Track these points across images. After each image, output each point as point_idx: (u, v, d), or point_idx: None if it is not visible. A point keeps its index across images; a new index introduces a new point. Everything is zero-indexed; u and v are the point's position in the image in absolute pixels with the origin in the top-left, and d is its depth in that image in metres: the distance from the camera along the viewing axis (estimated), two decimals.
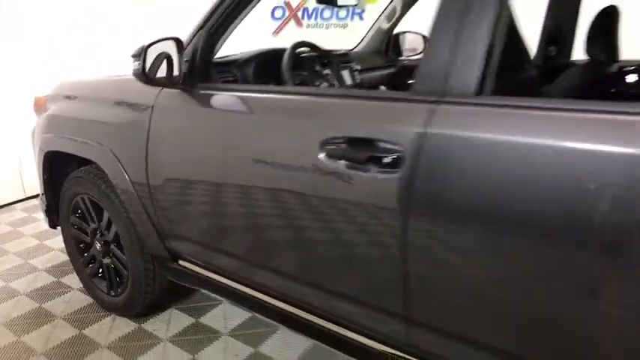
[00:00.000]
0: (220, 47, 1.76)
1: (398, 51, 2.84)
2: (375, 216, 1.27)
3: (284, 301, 1.65)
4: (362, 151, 1.25)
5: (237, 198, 1.62)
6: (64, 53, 3.91)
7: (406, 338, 1.35)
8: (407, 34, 2.78)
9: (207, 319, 2.33)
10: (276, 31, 4.93)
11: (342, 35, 4.83)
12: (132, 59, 1.56)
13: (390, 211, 1.23)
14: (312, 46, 2.19)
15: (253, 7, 1.65)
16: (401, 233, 1.22)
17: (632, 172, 0.91)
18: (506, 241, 1.09)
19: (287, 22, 4.98)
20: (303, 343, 2.10)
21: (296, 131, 1.43)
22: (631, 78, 2.04)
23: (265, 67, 1.99)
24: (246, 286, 1.76)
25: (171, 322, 2.32)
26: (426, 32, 1.28)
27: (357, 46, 2.81)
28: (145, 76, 1.56)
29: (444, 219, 1.16)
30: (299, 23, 5.00)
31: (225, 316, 2.35)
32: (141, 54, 1.53)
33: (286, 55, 1.91)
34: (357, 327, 1.47)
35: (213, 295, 1.96)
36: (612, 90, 2.02)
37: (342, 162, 1.29)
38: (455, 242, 1.17)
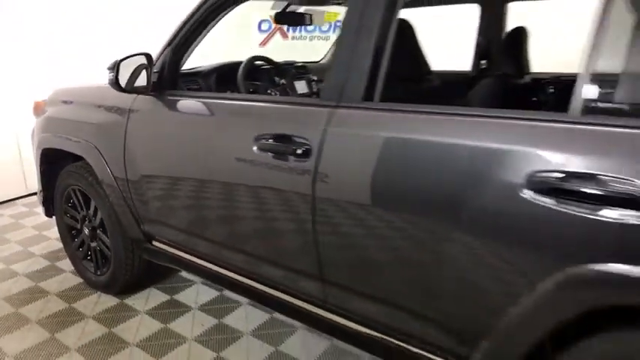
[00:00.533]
0: (185, 61, 2.11)
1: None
2: (294, 196, 1.61)
3: (234, 272, 1.99)
4: (282, 144, 1.60)
5: (197, 186, 1.97)
6: (65, 53, 4.12)
7: (323, 294, 1.68)
8: None
9: (182, 297, 2.66)
10: (263, 43, 5.29)
11: (325, 46, 5.18)
12: (107, 71, 1.91)
13: (303, 192, 1.56)
14: (268, 60, 2.54)
15: (211, 29, 2.01)
16: (311, 209, 1.56)
17: (473, 161, 1.23)
18: (385, 215, 1.43)
19: (273, 35, 5.34)
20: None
21: (238, 129, 1.77)
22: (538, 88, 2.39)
23: (225, 77, 2.35)
24: (205, 260, 2.10)
25: (149, 298, 2.66)
26: None
27: (321, 59, 3.17)
28: (117, 85, 1.92)
29: (340, 197, 1.50)
30: (284, 35, 5.36)
31: (198, 292, 2.69)
32: (114, 67, 1.89)
33: (241, 68, 2.27)
34: (290, 290, 1.81)
35: (179, 269, 2.30)
36: (518, 98, 2.35)
37: (270, 153, 1.63)
38: (349, 215, 1.50)
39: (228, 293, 2.69)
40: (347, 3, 1.54)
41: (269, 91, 2.40)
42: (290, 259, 1.75)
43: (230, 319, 2.46)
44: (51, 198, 2.81)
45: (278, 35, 5.43)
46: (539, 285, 1.15)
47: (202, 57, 2.61)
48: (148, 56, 1.98)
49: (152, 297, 2.67)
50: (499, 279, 1.24)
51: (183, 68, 2.20)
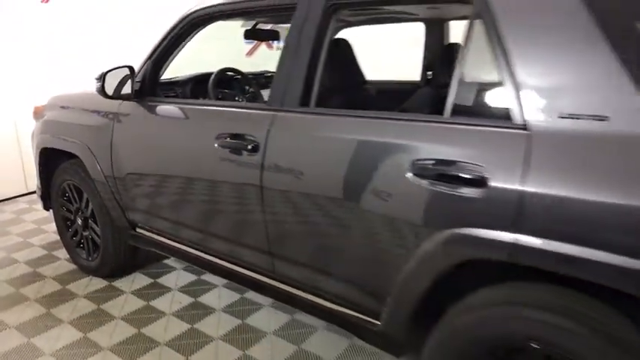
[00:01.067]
0: (164, 72, 2.46)
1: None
2: (247, 185, 1.95)
3: (202, 251, 2.33)
4: (237, 141, 1.94)
5: (170, 179, 2.31)
6: (65, 53, 4.41)
7: (270, 264, 2.02)
8: None
9: (164, 280, 3.00)
10: (250, 53, 5.65)
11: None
12: (95, 81, 2.27)
13: (254, 181, 1.91)
14: (237, 71, 2.90)
15: (184, 46, 2.36)
16: (260, 195, 1.90)
17: (375, 152, 1.57)
18: (313, 197, 1.77)
19: (259, 46, 5.70)
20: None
21: (204, 129, 2.12)
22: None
23: (199, 86, 2.70)
24: (178, 242, 2.45)
25: (135, 281, 2.99)
26: None
27: None
28: (104, 93, 2.28)
29: (280, 185, 1.84)
30: (269, 46, 5.72)
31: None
32: (101, 77, 2.24)
33: (212, 78, 2.62)
34: (246, 264, 2.15)
35: (160, 253, 2.64)
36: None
37: (227, 149, 1.98)
38: (287, 200, 1.84)
39: (205, 277, 3.02)
40: (290, 24, 1.89)
41: (237, 98, 2.75)
42: (245, 237, 2.09)
43: (205, 298, 2.79)
44: (48, 193, 3.15)
45: (264, 46, 5.79)
46: (422, 245, 1.49)
47: (193, 65, 2.96)
48: (130, 68, 2.33)
49: (137, 280, 3.01)
50: (395, 244, 1.58)
51: (163, 78, 2.56)
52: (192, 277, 3.03)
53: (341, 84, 2.15)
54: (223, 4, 2.14)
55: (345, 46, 2.16)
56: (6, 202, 4.49)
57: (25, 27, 4.35)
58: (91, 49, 4.55)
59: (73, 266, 3.19)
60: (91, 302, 2.77)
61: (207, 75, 2.73)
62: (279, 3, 1.95)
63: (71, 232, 3.10)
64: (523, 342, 1.35)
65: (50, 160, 3.05)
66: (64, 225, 3.14)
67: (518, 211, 1.30)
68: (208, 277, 3.01)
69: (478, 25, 1.45)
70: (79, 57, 4.49)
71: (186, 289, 2.90)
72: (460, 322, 1.47)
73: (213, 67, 2.81)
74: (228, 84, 2.69)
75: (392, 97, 2.40)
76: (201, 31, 2.33)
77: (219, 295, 2.83)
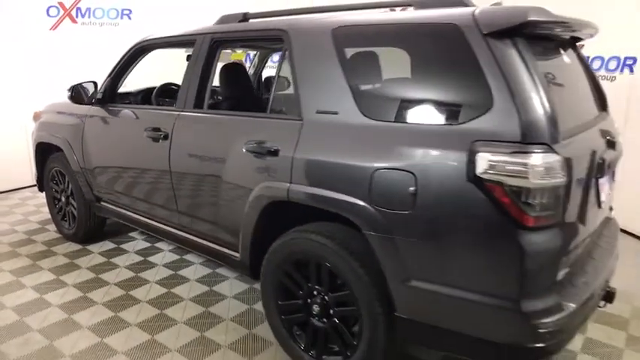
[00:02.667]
0: (120, 85, 3.38)
1: (266, 87, 4.40)
2: (162, 164, 2.81)
3: (141, 215, 3.20)
4: (156, 132, 2.82)
5: (119, 162, 3.21)
6: (66, 72, 5.19)
7: (178, 221, 2.88)
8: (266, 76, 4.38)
9: (125, 246, 3.87)
10: (53, 28, 5.71)
11: (114, 32, 5.84)
12: (67, 92, 3.19)
13: (165, 159, 2.78)
14: (176, 85, 3.80)
15: (134, 67, 3.27)
16: (169, 169, 2.77)
17: (226, 135, 2.42)
18: (194, 172, 2.61)
19: (62, 20, 5.67)
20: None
21: (138, 125, 2.99)
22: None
23: (147, 96, 3.60)
24: (123, 208, 3.33)
25: (102, 245, 3.88)
26: None
27: None
28: (72, 99, 3.20)
29: (177, 162, 2.70)
30: (74, 20, 5.73)
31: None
32: (71, 89, 3.17)
33: (155, 90, 3.52)
34: (163, 221, 3.01)
35: (114, 218, 3.52)
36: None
37: (150, 138, 2.85)
38: (183, 171, 2.70)
39: (158, 245, 3.88)
40: (192, 52, 2.77)
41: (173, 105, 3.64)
42: (162, 201, 2.95)
43: (152, 258, 3.65)
44: (42, 178, 4.08)
45: (68, 20, 5.80)
46: (250, 195, 2.32)
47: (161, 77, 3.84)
48: (94, 83, 3.25)
49: (105, 245, 3.89)
50: (239, 197, 2.41)
51: (122, 90, 3.48)
52: (147, 244, 3.90)
53: (229, 93, 3.03)
54: (157, 37, 3.06)
55: (232, 68, 3.06)
56: (15, 191, 5.47)
57: (35, 50, 5.35)
58: (88, 70, 5.46)
59: (58, 235, 4.10)
60: (67, 258, 3.66)
61: (153, 88, 3.64)
62: (187, 38, 2.85)
63: (57, 207, 4.02)
64: (308, 256, 2.15)
65: (44, 152, 3.98)
66: (52, 203, 4.07)
67: (291, 169, 2.13)
68: (162, 244, 3.87)
69: (286, 56, 2.31)
70: (78, 75, 5.42)
71: (140, 252, 3.77)
72: (278, 244, 2.28)
73: (170, 79, 3.73)
74: (169, 94, 3.58)
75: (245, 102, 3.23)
76: (164, 55, 3.23)
77: (164, 256, 3.69)
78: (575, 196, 1.78)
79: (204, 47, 2.69)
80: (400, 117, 1.91)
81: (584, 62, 2.54)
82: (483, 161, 1.63)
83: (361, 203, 1.90)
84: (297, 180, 2.12)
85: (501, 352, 1.74)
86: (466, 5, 1.89)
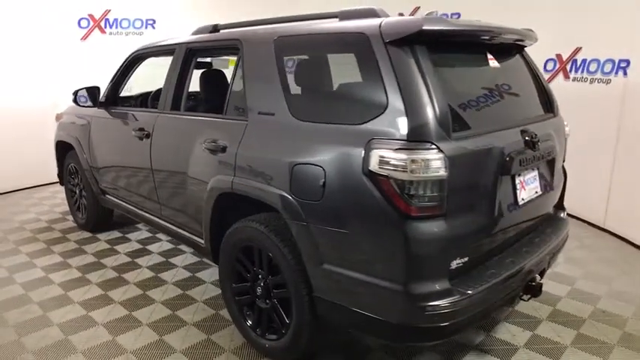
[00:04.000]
0: (122, 90, 3.77)
1: None
2: (146, 159, 3.15)
3: (130, 204, 3.57)
4: (141, 131, 3.16)
5: (118, 158, 3.59)
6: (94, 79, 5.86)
7: (159, 211, 3.21)
8: None
9: (130, 236, 4.27)
10: (84, 38, 6.22)
11: (139, 41, 5.64)
12: (72, 95, 3.61)
13: (147, 156, 3.11)
14: None
15: (132, 74, 3.65)
16: (150, 165, 3.10)
17: (191, 135, 2.71)
18: (170, 165, 2.93)
19: (92, 31, 6.21)
20: None
21: (130, 125, 3.36)
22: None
23: (145, 99, 3.98)
24: (121, 200, 3.70)
25: (110, 234, 4.30)
26: None
27: None
28: (75, 102, 3.61)
29: (157, 158, 3.03)
30: (102, 31, 6.26)
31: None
32: (75, 93, 3.58)
33: (152, 93, 3.89)
34: (149, 211, 3.35)
35: (116, 209, 3.92)
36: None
37: (137, 137, 3.20)
38: (161, 166, 3.02)
39: (159, 236, 4.25)
40: (172, 60, 3.10)
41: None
42: (147, 193, 3.29)
43: (151, 247, 4.02)
44: (62, 173, 4.57)
45: (97, 31, 6.27)
46: (207, 187, 2.59)
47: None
48: (97, 87, 3.67)
49: (112, 234, 4.31)
50: (201, 189, 2.69)
51: (124, 94, 3.88)
52: (149, 235, 4.29)
53: (206, 97, 3.33)
54: (148, 47, 3.42)
55: (211, 74, 3.35)
56: (48, 185, 6.06)
57: (67, 59, 5.90)
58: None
59: (74, 225, 4.57)
60: (77, 244, 4.10)
61: (149, 93, 4.01)
62: (170, 47, 3.17)
63: (74, 199, 4.49)
64: (251, 243, 2.40)
65: (63, 150, 4.46)
66: (70, 195, 4.54)
67: (235, 164, 2.39)
68: (162, 235, 4.24)
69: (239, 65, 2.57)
70: (105, 81, 5.89)
71: (141, 241, 4.15)
72: (229, 232, 2.54)
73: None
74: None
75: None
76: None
77: (161, 245, 4.05)
78: (469, 190, 1.92)
79: (180, 55, 3.01)
80: (317, 117, 2.12)
81: (530, 67, 2.65)
82: (375, 157, 1.82)
83: (284, 194, 2.12)
84: (239, 174, 2.37)
85: (395, 332, 1.91)
86: (379, 16, 2.07)
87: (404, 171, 1.76)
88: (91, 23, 6.10)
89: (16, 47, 5.51)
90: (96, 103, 3.64)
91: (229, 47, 2.70)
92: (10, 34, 5.47)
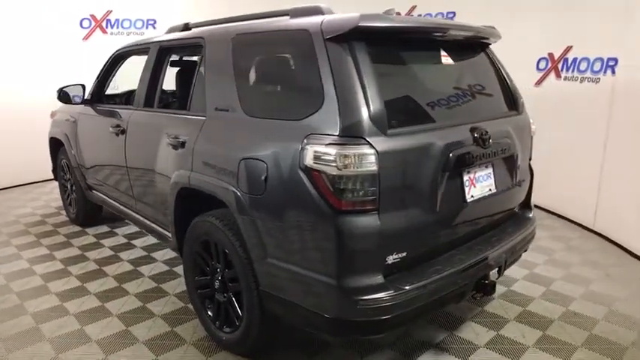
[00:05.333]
0: (107, 88, 3.86)
1: None
2: (121, 154, 3.23)
3: (109, 198, 3.66)
4: (117, 128, 3.24)
5: (97, 153, 3.68)
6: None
7: (134, 206, 3.29)
8: None
9: (118, 231, 4.37)
10: (86, 38, 6.32)
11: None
12: (56, 92, 3.72)
13: (122, 151, 3.19)
14: None
15: (117, 71, 3.74)
16: (125, 160, 3.18)
17: (158, 130, 2.77)
18: (141, 161, 2.99)
19: (94, 31, 6.32)
20: None
21: (109, 120, 3.44)
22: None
23: (128, 97, 4.07)
24: (109, 198, 3.80)
25: (98, 229, 4.41)
26: None
27: None
28: (59, 99, 3.72)
29: (131, 152, 3.10)
30: (104, 31, 6.36)
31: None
32: (59, 91, 3.69)
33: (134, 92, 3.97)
34: (126, 205, 3.43)
35: (100, 204, 4.02)
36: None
37: (114, 133, 3.28)
38: (134, 161, 3.09)
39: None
40: (147, 58, 3.17)
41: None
42: (124, 187, 3.37)
43: (136, 242, 4.11)
44: (56, 168, 4.71)
45: (98, 31, 6.36)
46: (170, 182, 2.65)
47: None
48: (83, 85, 3.76)
49: (100, 229, 4.42)
50: (165, 183, 2.74)
51: (112, 92, 3.98)
52: (137, 229, 4.37)
53: (181, 94, 3.39)
54: (127, 46, 3.51)
55: (184, 72, 3.43)
56: (50, 181, 6.21)
57: (70, 58, 6.03)
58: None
59: (67, 219, 4.70)
60: (65, 238, 4.22)
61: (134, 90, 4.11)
62: (146, 46, 3.24)
63: (66, 194, 4.62)
64: (209, 237, 2.44)
65: (56, 146, 4.59)
66: (63, 190, 4.67)
67: (192, 159, 2.44)
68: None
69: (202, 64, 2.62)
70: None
71: (127, 235, 4.25)
72: (190, 227, 2.59)
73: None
74: None
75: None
76: None
77: (146, 240, 4.13)
78: (406, 186, 1.93)
79: (154, 53, 3.08)
80: (265, 113, 2.15)
81: (494, 65, 2.63)
82: (310, 152, 1.84)
83: (231, 188, 2.16)
84: (196, 168, 2.42)
85: (332, 326, 1.93)
86: (324, 14, 2.09)
87: (335, 166, 1.77)
88: (93, 23, 6.25)
89: (18, 47, 5.69)
90: (80, 100, 3.75)
91: (195, 45, 2.75)
92: (13, 34, 5.65)
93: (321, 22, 1.97)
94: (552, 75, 4.72)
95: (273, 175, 1.98)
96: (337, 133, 1.80)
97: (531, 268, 3.63)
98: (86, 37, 6.24)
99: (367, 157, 1.77)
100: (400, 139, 1.89)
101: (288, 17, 2.25)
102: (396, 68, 2.13)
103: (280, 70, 2.23)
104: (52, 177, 4.93)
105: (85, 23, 6.22)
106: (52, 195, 5.62)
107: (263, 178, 2.00)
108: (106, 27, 6.34)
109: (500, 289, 3.29)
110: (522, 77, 4.87)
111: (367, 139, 1.79)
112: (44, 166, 5.94)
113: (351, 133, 1.79)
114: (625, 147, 3.92)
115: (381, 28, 1.93)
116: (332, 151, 1.78)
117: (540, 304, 3.08)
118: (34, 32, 5.77)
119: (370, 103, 1.82)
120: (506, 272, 3.49)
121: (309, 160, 1.84)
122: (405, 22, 2.02)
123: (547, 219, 4.75)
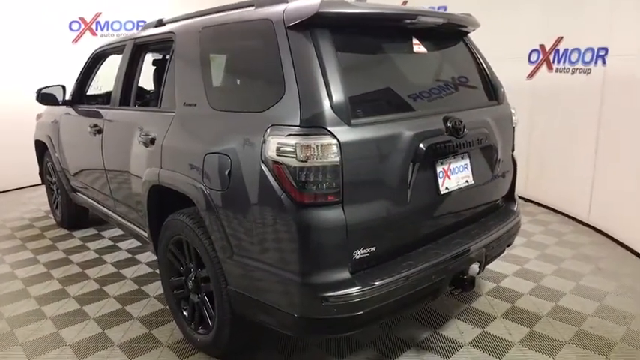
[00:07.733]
0: (88, 88, 3.82)
1: None
2: (98, 154, 3.18)
3: (99, 204, 3.61)
4: (94, 128, 3.20)
5: (78, 154, 3.64)
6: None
7: (114, 207, 3.24)
8: None
9: (105, 233, 4.32)
10: (75, 41, 6.28)
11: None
12: (35, 94, 3.68)
13: (99, 151, 3.14)
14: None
15: (96, 72, 3.70)
16: (102, 160, 3.13)
17: (131, 130, 2.71)
18: (117, 161, 2.94)
19: (83, 33, 6.27)
20: None
21: (88, 120, 3.39)
22: None
23: (109, 97, 4.02)
24: (90, 199, 3.75)
25: (86, 232, 4.36)
26: None
27: None
28: (38, 100, 3.67)
29: (108, 152, 3.05)
30: (94, 34, 6.31)
31: None
32: (38, 92, 3.65)
33: None
34: (107, 207, 3.38)
35: (84, 205, 3.97)
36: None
37: (92, 133, 3.23)
38: (111, 160, 3.04)
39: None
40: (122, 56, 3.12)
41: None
42: (103, 189, 3.32)
43: (121, 244, 4.06)
44: (42, 171, 4.67)
45: (88, 34, 6.30)
46: (142, 179, 2.59)
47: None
48: (63, 86, 3.72)
49: (87, 232, 4.37)
50: (137, 182, 2.68)
51: (91, 92, 3.94)
52: (121, 233, 4.32)
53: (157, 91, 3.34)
54: (105, 46, 3.46)
55: (159, 69, 3.37)
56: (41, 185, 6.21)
57: (59, 62, 5.94)
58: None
59: (52, 220, 4.66)
60: (51, 241, 4.18)
61: None
62: (122, 44, 3.19)
63: (52, 197, 4.58)
64: (181, 236, 2.38)
65: (41, 149, 4.55)
66: (49, 193, 4.64)
67: (161, 156, 2.38)
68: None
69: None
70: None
71: (113, 238, 4.20)
72: (163, 226, 2.53)
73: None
74: None
75: None
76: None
77: (132, 242, 4.08)
78: (372, 178, 1.85)
79: (129, 51, 3.03)
80: (230, 106, 2.09)
81: (473, 54, 2.56)
82: (270, 144, 1.78)
83: (197, 184, 2.10)
84: (165, 165, 2.36)
85: (299, 324, 1.85)
86: (287, 2, 2.02)
87: (295, 157, 1.71)
88: (82, 26, 6.23)
89: (8, 50, 5.67)
90: (59, 101, 3.70)
91: (167, 40, 2.69)
92: (1, 38, 5.63)
93: (283, 11, 1.91)
94: (544, 67, 4.63)
95: (236, 169, 1.91)
96: (298, 124, 1.73)
97: (522, 263, 3.54)
98: (76, 40, 6.22)
99: (329, 148, 1.70)
100: (365, 130, 1.82)
101: (253, 8, 2.19)
102: (364, 57, 2.06)
103: (245, 61, 2.17)
104: (40, 180, 4.92)
105: (75, 26, 6.19)
106: (43, 199, 5.56)
107: (227, 172, 1.94)
108: (96, 29, 6.31)
109: (488, 285, 3.21)
110: (514, 70, 4.88)
111: (329, 129, 1.72)
112: (35, 170, 5.95)
113: (312, 124, 1.72)
114: (617, 137, 3.83)
115: (344, 14, 1.86)
116: (292, 142, 1.71)
117: (529, 300, 2.99)
118: (23, 35, 5.75)
119: (332, 92, 1.76)
120: (496, 268, 3.45)
121: (270, 153, 1.77)
122: (368, 9, 1.95)
123: (541, 214, 4.65)
